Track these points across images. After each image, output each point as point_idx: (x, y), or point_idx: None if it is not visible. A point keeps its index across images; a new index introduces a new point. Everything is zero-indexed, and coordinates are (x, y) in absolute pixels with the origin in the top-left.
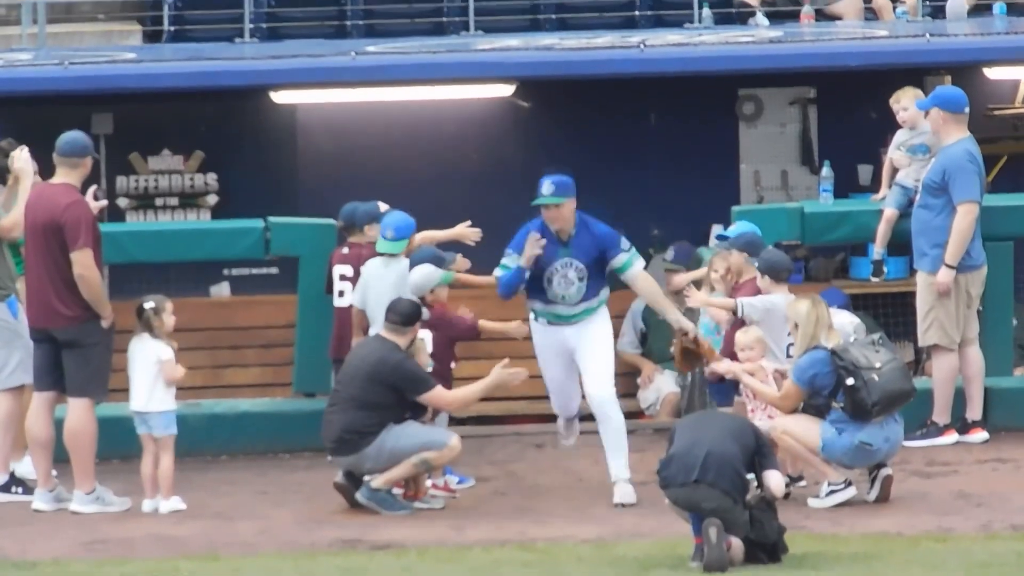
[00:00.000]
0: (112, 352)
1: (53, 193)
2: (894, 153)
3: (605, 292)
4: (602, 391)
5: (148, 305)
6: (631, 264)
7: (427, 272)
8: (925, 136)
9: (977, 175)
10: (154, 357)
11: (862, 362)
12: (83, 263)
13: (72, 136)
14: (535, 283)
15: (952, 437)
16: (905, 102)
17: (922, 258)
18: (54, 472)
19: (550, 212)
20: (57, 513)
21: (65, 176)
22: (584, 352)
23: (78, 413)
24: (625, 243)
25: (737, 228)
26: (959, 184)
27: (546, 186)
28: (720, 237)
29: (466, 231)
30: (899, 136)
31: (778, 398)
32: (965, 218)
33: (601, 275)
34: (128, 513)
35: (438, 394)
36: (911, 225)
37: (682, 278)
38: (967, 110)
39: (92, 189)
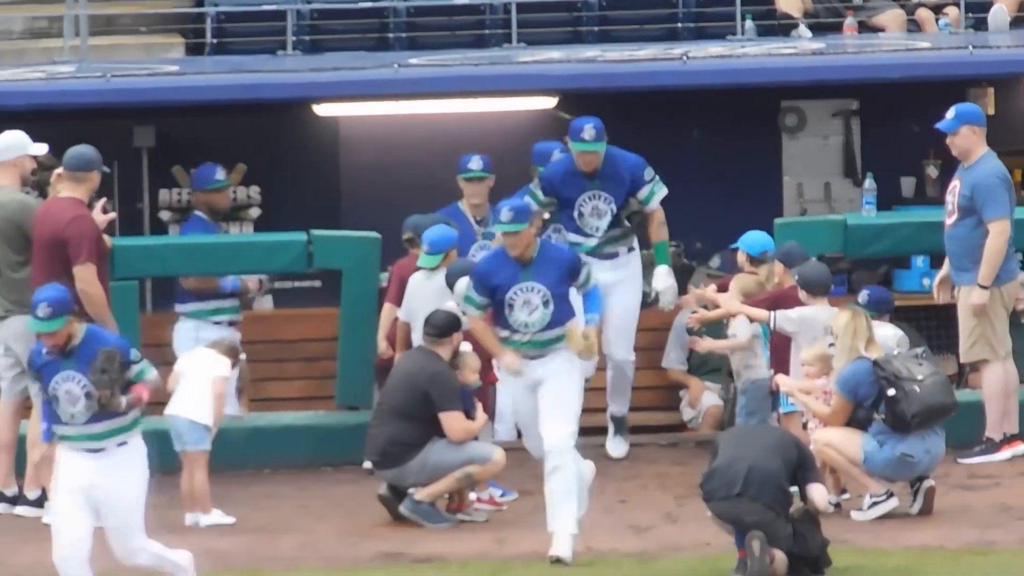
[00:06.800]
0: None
1: (58, 208)
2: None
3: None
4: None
5: (244, 356)
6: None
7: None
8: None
9: (1006, 191)
10: (213, 370)
11: (904, 373)
12: (85, 278)
13: (78, 150)
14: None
15: (1008, 452)
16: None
17: (963, 274)
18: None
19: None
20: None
21: (71, 191)
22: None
23: None
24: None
25: (747, 238)
26: (988, 203)
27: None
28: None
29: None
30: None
31: (828, 414)
32: (998, 237)
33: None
34: (170, 527)
35: (456, 418)
36: (946, 243)
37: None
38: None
39: (101, 202)
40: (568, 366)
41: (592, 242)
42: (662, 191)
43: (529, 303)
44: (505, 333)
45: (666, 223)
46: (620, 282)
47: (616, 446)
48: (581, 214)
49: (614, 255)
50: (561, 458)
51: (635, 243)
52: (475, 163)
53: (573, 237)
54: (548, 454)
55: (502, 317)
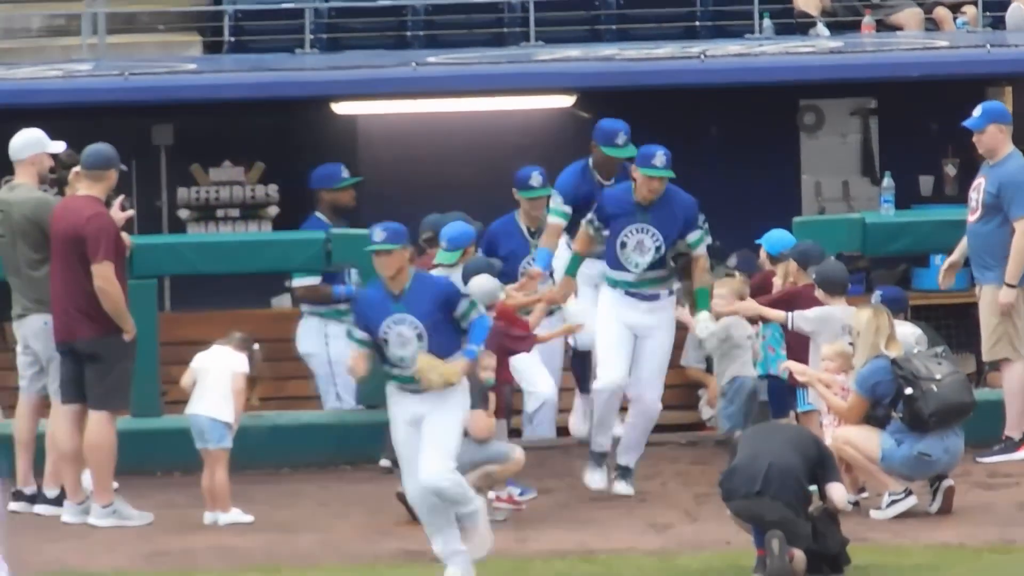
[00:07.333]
0: (134, 365)
1: (76, 206)
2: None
3: None
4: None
5: (257, 347)
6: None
7: (488, 288)
8: None
9: None
10: (231, 367)
11: (922, 372)
12: (103, 276)
13: (96, 148)
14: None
15: None
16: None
17: (986, 272)
18: (117, 484)
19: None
20: (118, 526)
21: (89, 189)
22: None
23: (97, 426)
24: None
25: (770, 236)
26: (1016, 201)
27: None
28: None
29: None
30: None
31: (844, 410)
32: (1023, 236)
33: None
34: (189, 525)
35: (477, 415)
36: (968, 240)
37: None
38: None
39: (119, 200)
40: (449, 404)
41: (630, 278)
42: (708, 239)
43: (402, 336)
44: (388, 369)
45: (710, 269)
46: (657, 326)
47: (622, 487)
48: (623, 245)
49: (655, 297)
50: (439, 490)
51: (674, 286)
52: (535, 180)
53: (608, 271)
54: (424, 489)
55: (382, 353)
